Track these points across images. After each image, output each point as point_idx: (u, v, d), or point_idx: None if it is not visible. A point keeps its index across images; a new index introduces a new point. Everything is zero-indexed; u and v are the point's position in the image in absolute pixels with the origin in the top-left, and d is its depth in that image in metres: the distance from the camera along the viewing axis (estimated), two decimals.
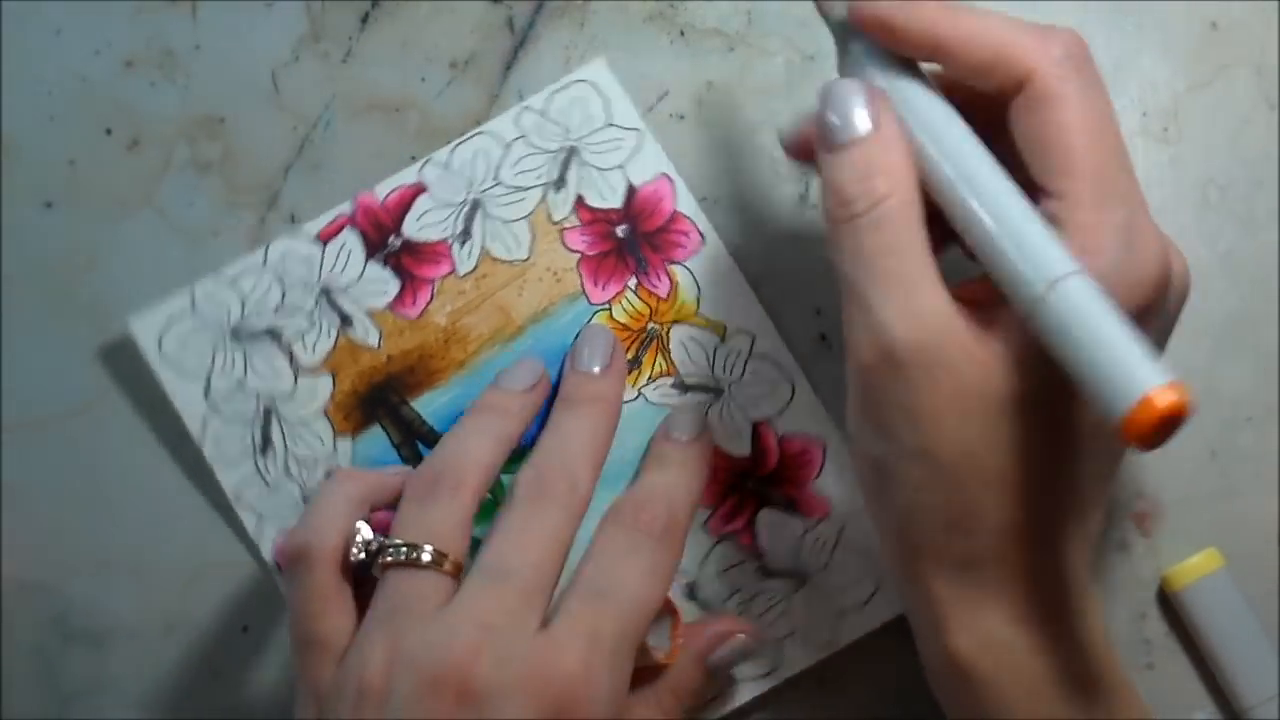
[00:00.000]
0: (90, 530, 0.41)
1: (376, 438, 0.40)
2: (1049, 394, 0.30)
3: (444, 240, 0.41)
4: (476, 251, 0.41)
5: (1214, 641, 0.40)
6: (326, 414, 0.41)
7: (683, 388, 0.41)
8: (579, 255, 0.41)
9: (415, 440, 0.40)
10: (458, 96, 0.43)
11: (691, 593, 0.40)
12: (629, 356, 0.41)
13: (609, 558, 0.35)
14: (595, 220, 0.41)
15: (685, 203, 0.41)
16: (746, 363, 0.41)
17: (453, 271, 0.41)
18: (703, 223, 0.41)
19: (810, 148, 0.34)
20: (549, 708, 0.31)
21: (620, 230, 0.41)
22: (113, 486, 0.41)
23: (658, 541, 0.35)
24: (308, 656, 0.34)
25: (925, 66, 0.33)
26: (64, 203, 0.42)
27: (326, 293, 0.41)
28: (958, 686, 0.33)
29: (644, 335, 0.41)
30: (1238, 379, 0.42)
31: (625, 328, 0.41)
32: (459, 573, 0.34)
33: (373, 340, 0.41)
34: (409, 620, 0.33)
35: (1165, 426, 0.27)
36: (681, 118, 0.42)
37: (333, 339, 0.41)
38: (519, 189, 0.41)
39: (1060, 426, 0.31)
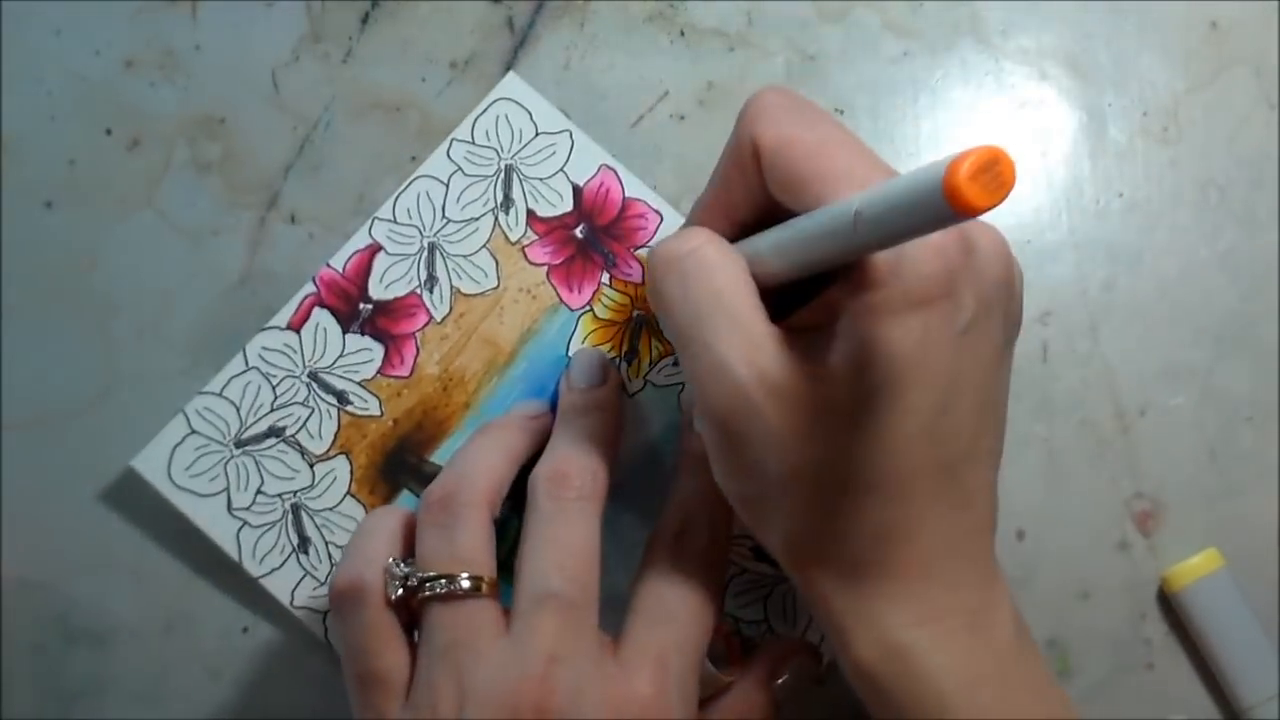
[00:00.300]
0: (90, 530, 0.41)
1: (407, 501, 0.40)
2: (887, 395, 0.31)
3: (412, 292, 0.41)
4: (447, 293, 0.41)
5: (1214, 641, 0.40)
6: (352, 494, 0.41)
7: None
8: (546, 267, 0.41)
9: None
10: (458, 96, 0.43)
11: None
12: (625, 348, 0.41)
13: (664, 582, 0.36)
14: (551, 229, 0.41)
15: (633, 187, 0.41)
16: None
17: (430, 320, 0.41)
18: (655, 200, 0.41)
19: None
20: None
21: (579, 231, 0.41)
22: (113, 486, 0.41)
23: (704, 565, 0.36)
24: (370, 696, 0.34)
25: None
26: (64, 203, 0.42)
27: (314, 377, 0.41)
28: (868, 695, 0.33)
29: (632, 324, 0.41)
30: (1238, 379, 0.42)
31: (611, 322, 0.41)
32: (496, 591, 0.35)
33: (374, 409, 0.41)
34: (470, 655, 0.33)
35: (985, 174, 0.24)
36: (682, 118, 0.42)
37: (335, 420, 0.41)
38: (470, 220, 0.41)
39: (906, 422, 0.31)
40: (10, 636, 0.41)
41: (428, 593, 0.34)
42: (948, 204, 0.25)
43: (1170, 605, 0.41)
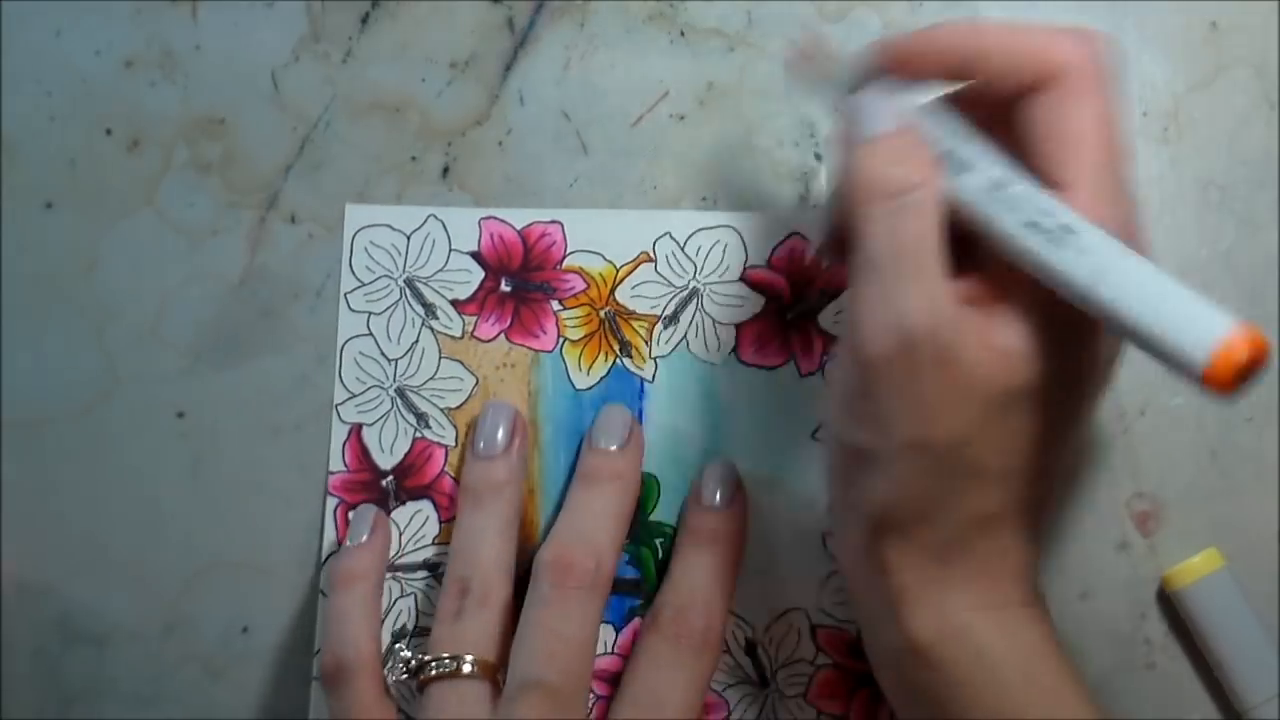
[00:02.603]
0: (90, 530, 0.41)
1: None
2: (1048, 389, 0.31)
3: (414, 440, 0.41)
4: (443, 420, 0.41)
5: (1214, 641, 0.40)
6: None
7: (668, 321, 0.41)
8: (501, 334, 0.41)
9: None
10: (458, 96, 0.43)
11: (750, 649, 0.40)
12: (617, 347, 0.41)
13: (653, 670, 0.37)
14: (481, 302, 0.41)
15: (519, 218, 0.41)
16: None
17: (446, 451, 0.41)
18: (547, 213, 0.41)
19: (842, 245, 0.35)
20: None
21: (505, 286, 0.41)
22: (113, 486, 0.41)
23: (697, 652, 0.37)
24: None
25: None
26: (64, 203, 0.42)
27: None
28: (914, 674, 0.33)
29: (606, 323, 0.41)
30: None
31: (589, 335, 0.41)
32: (495, 676, 0.36)
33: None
34: None
35: (1247, 372, 0.27)
36: (682, 118, 0.42)
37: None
38: (412, 346, 0.41)
39: (1053, 422, 0.31)
40: (10, 637, 0.41)
41: (431, 673, 0.36)
42: (1202, 384, 0.27)
43: (1171, 605, 0.41)
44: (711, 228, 0.41)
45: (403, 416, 0.41)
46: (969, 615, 0.32)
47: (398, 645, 0.37)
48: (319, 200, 0.42)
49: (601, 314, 0.41)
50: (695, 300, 0.41)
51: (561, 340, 0.41)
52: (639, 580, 0.40)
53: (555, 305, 0.41)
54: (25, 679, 0.41)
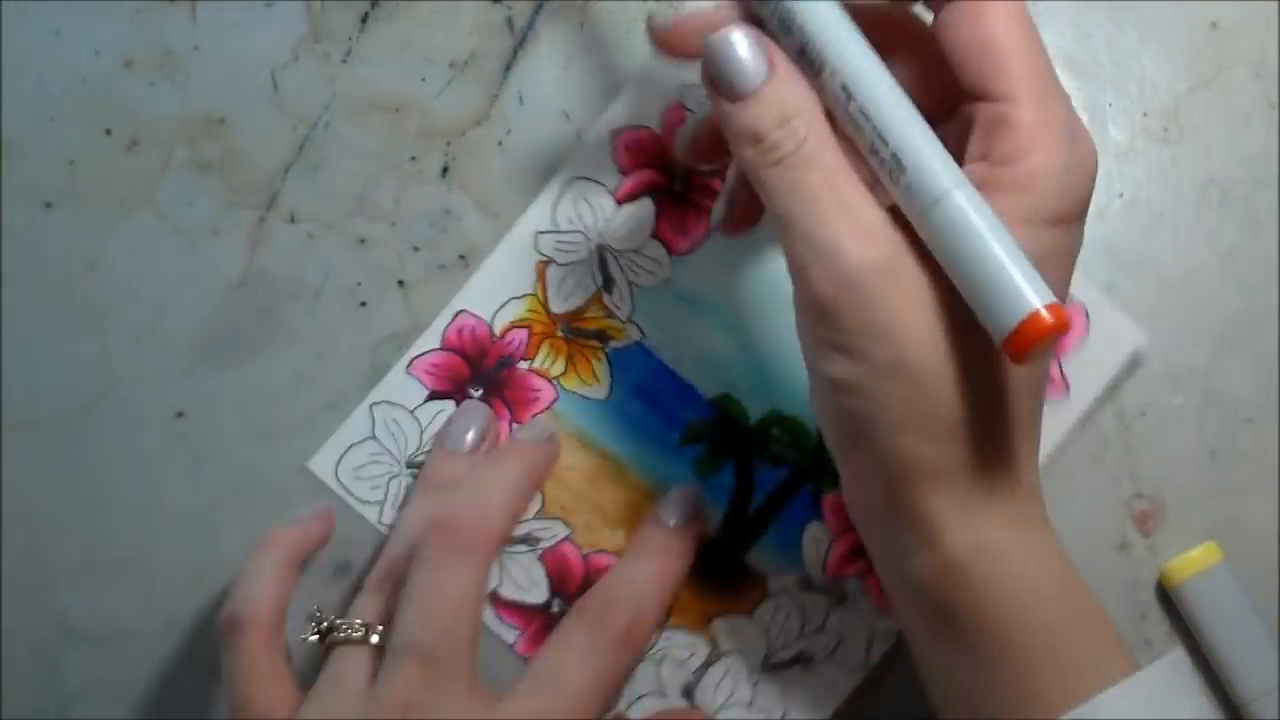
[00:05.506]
0: (90, 530, 0.41)
1: None
2: None
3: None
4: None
5: (1213, 635, 0.40)
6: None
7: (607, 286, 0.41)
8: (507, 429, 0.41)
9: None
10: (458, 96, 0.43)
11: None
12: (597, 344, 0.41)
13: (565, 651, 0.37)
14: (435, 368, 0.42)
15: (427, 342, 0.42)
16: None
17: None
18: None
19: (714, 145, 0.35)
20: None
21: (474, 391, 0.41)
22: (113, 486, 0.41)
23: (615, 646, 0.37)
24: None
25: None
26: (64, 203, 0.42)
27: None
28: (948, 595, 0.32)
29: (568, 337, 0.41)
30: (1238, 379, 0.42)
31: (568, 357, 0.41)
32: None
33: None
34: (342, 697, 0.35)
35: (1045, 345, 0.28)
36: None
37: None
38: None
39: None
40: (10, 636, 0.41)
41: (338, 636, 0.36)
42: (1002, 347, 0.29)
43: (1171, 605, 0.41)
44: (564, 197, 0.42)
45: None
46: (998, 532, 0.32)
47: (315, 608, 0.37)
48: (318, 200, 0.42)
49: (560, 333, 0.41)
50: (609, 256, 0.41)
51: (555, 383, 0.41)
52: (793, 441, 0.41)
53: (523, 365, 0.41)
54: (25, 678, 0.41)
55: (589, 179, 0.42)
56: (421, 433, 0.41)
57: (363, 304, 0.42)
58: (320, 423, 0.41)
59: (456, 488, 0.38)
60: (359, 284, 0.42)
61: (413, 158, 0.42)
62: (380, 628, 0.36)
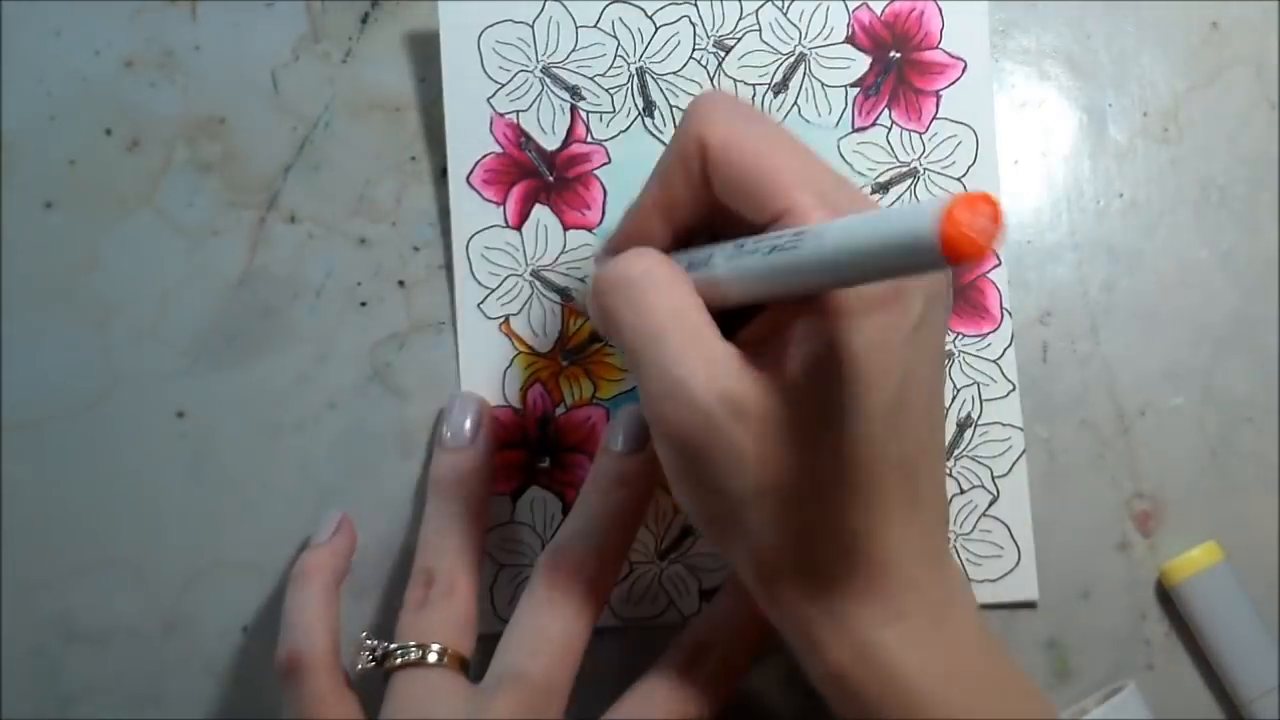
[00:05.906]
0: (90, 530, 0.41)
1: None
2: (850, 399, 0.31)
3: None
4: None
5: (1213, 635, 0.40)
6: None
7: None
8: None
9: None
10: None
11: None
12: (587, 384, 0.41)
13: (662, 686, 0.37)
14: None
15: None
16: None
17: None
18: None
19: None
20: None
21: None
22: (113, 486, 0.41)
23: (708, 683, 0.37)
24: None
25: None
26: (64, 203, 0.42)
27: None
28: (841, 700, 0.33)
29: (568, 365, 0.41)
30: (1238, 379, 0.42)
31: (572, 397, 0.41)
32: (466, 669, 0.36)
33: None
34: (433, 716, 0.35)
35: (978, 221, 0.24)
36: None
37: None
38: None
39: (870, 424, 0.31)
40: (10, 637, 0.41)
41: (397, 660, 0.36)
42: (941, 254, 0.24)
43: (1171, 606, 0.41)
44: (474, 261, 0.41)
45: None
46: (876, 633, 0.32)
47: (365, 635, 0.37)
48: (319, 200, 0.42)
49: (565, 362, 0.41)
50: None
51: (601, 403, 0.41)
52: None
53: (560, 410, 0.41)
54: (25, 678, 0.41)
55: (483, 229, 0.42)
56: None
57: (363, 304, 0.42)
58: (321, 422, 0.41)
59: (575, 517, 0.37)
60: (359, 284, 0.42)
61: (413, 158, 0.42)
62: (435, 646, 0.36)
